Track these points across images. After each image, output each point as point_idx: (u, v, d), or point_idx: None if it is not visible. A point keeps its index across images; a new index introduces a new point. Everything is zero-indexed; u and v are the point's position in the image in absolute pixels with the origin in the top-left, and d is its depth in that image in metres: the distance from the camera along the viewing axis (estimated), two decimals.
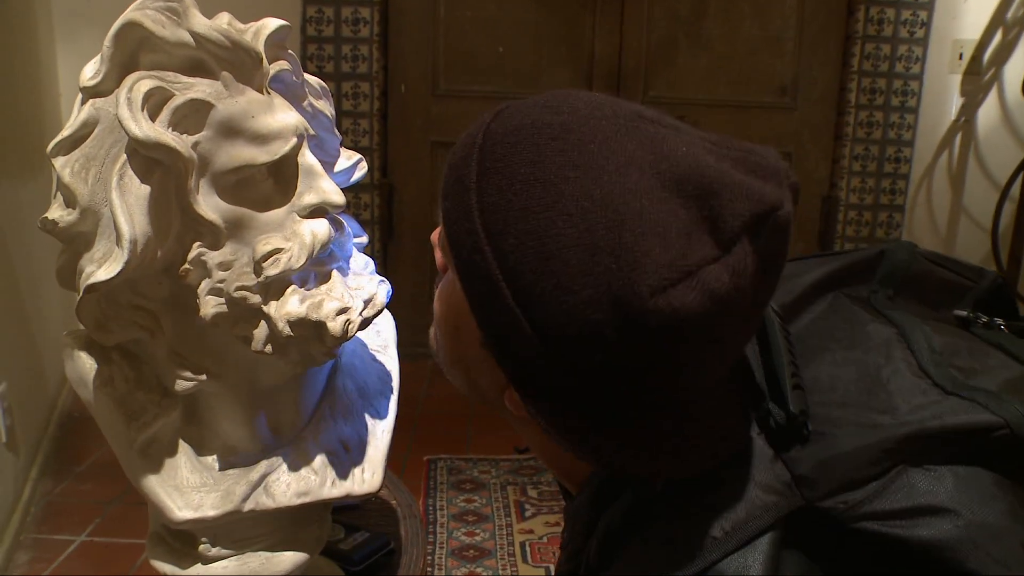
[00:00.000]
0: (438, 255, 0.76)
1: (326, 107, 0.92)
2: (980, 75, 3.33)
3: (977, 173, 3.41)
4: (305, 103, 0.90)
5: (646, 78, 3.36)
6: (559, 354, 0.62)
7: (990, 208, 3.26)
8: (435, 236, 0.76)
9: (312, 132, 0.86)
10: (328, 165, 0.96)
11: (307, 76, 0.91)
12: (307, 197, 0.82)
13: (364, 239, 1.04)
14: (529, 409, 0.69)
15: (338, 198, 0.82)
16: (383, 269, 3.39)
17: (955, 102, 3.37)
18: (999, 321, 0.80)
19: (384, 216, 3.36)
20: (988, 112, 3.36)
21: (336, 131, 0.96)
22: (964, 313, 0.81)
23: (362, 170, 1.02)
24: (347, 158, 0.99)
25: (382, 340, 1.04)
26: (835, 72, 3.38)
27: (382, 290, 0.88)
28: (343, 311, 0.82)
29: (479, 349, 0.68)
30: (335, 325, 0.81)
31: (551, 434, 0.70)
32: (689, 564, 0.65)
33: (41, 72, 2.83)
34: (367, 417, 0.96)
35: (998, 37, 3.30)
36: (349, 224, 0.96)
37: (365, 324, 0.86)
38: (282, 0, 3.05)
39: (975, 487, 0.65)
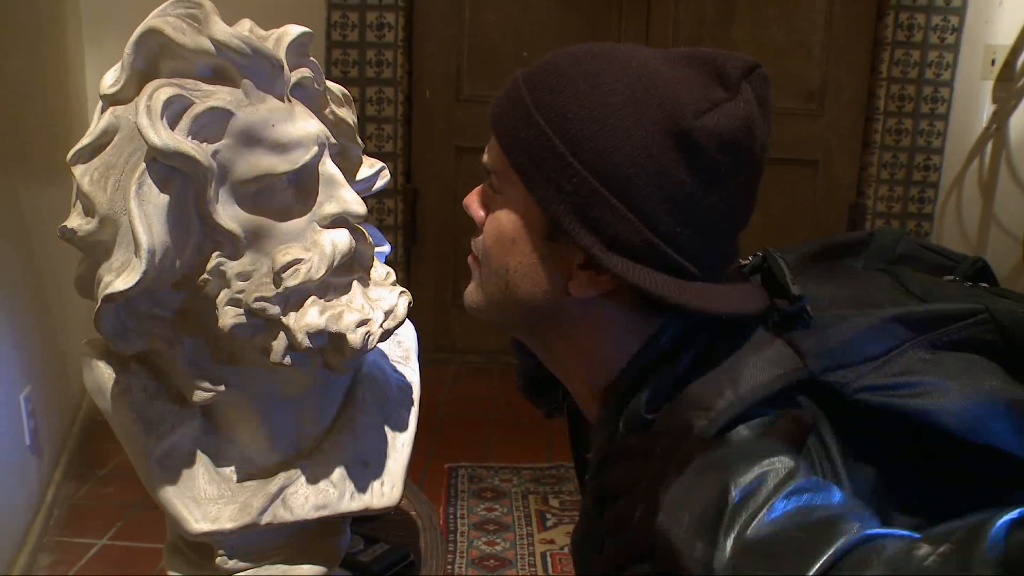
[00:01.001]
0: (475, 209, 0.86)
1: (348, 115, 0.91)
2: (1013, 81, 3.28)
3: (1008, 181, 3.35)
4: (327, 111, 0.89)
5: None
6: (634, 196, 0.74)
7: (1022, 217, 3.20)
8: (471, 198, 0.87)
9: (333, 141, 0.84)
10: (350, 173, 0.95)
11: (329, 84, 0.90)
12: (328, 207, 0.81)
13: (386, 248, 1.03)
14: (614, 274, 0.75)
15: (359, 208, 0.81)
16: (406, 274, 3.38)
17: (987, 109, 3.31)
18: (983, 285, 0.86)
19: (408, 221, 3.35)
20: (1021, 119, 3.30)
21: (358, 139, 0.95)
22: (951, 278, 0.87)
23: (384, 178, 1.00)
24: (369, 166, 0.98)
25: (403, 350, 1.03)
26: (863, 78, 3.34)
27: (403, 301, 0.86)
28: (363, 323, 0.81)
29: (541, 247, 0.79)
30: (355, 337, 0.80)
31: (624, 302, 0.79)
32: (709, 424, 0.72)
33: (70, 78, 2.85)
34: (387, 429, 0.95)
35: None
36: (371, 233, 0.95)
37: (386, 336, 0.84)
38: (307, 5, 3.05)
39: (968, 366, 0.74)
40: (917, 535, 0.59)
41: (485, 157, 0.83)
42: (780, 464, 0.65)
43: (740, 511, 0.62)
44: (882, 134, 3.32)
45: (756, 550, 0.61)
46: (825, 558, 0.58)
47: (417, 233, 3.40)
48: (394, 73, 3.22)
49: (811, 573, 0.57)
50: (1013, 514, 0.55)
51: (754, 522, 0.62)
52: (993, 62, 3.26)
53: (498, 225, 0.82)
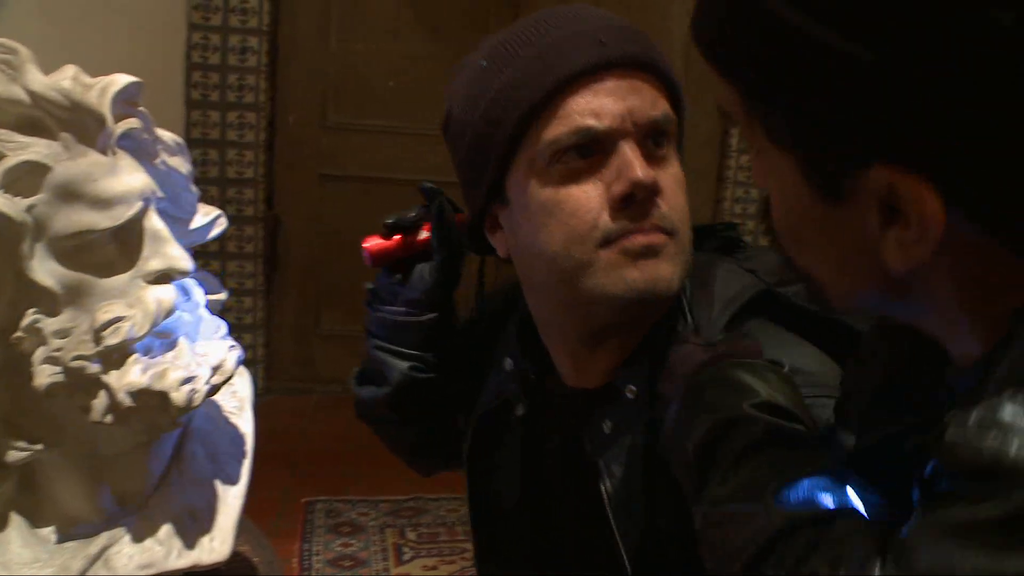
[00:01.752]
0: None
1: (181, 164, 0.90)
2: None
3: None
4: (158, 161, 0.88)
5: None
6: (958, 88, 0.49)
7: None
8: (756, 165, 0.64)
9: (161, 194, 0.83)
10: (184, 222, 0.93)
11: (160, 132, 0.88)
12: (153, 263, 0.79)
13: (222, 295, 1.02)
14: (960, 199, 0.52)
15: (185, 264, 0.80)
16: (266, 302, 3.31)
17: None
18: None
19: (269, 249, 3.29)
20: None
21: (192, 187, 0.93)
22: None
23: (221, 226, 0.99)
24: (204, 214, 0.96)
25: (237, 401, 1.01)
26: (716, 120, 3.49)
27: (232, 356, 0.85)
28: (188, 380, 0.80)
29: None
30: (179, 395, 0.79)
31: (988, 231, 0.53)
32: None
33: None
34: (218, 483, 0.93)
35: None
36: (205, 282, 0.94)
37: (213, 392, 0.83)
38: (166, 26, 2.96)
39: None
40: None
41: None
42: None
43: None
44: (735, 170, 3.48)
45: None
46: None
47: (278, 261, 3.34)
48: (256, 98, 3.16)
49: None
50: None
51: None
52: None
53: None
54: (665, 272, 0.77)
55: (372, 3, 3.25)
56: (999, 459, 0.47)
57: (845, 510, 0.60)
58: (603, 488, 0.83)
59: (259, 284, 3.25)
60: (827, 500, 0.60)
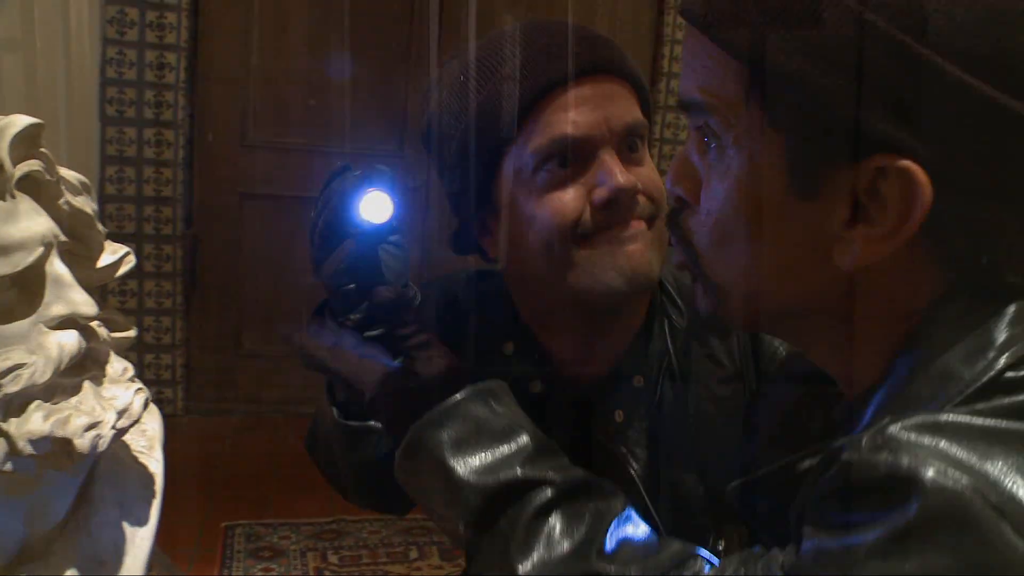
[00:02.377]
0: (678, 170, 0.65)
1: (86, 204, 0.89)
2: None
3: None
4: (61, 201, 0.87)
5: None
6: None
7: None
8: (676, 167, 0.67)
9: (64, 238, 0.82)
10: (90, 260, 0.92)
11: (64, 172, 0.87)
12: (55, 308, 0.78)
13: (131, 333, 1.01)
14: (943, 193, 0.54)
15: (88, 309, 0.79)
16: (185, 322, 3.26)
17: None
18: None
19: (188, 268, 3.24)
20: None
21: (99, 226, 0.93)
22: None
23: (129, 263, 0.98)
24: (112, 252, 0.95)
25: (147, 440, 1.00)
26: None
27: (138, 399, 0.85)
28: (93, 426, 0.79)
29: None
30: (82, 442, 0.78)
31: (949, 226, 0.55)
32: None
33: None
34: (125, 525, 0.92)
35: None
36: (112, 323, 0.93)
37: (119, 435, 0.82)
38: (79, 41, 2.90)
39: None
40: None
41: (675, 165, 0.67)
42: None
43: None
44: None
45: None
46: None
47: (197, 280, 3.29)
48: (175, 115, 3.11)
49: None
50: None
51: None
52: None
53: (740, 171, 0.62)
54: (646, 257, 0.84)
55: (293, 21, 3.24)
56: (894, 471, 0.50)
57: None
58: (632, 472, 0.90)
59: (178, 304, 3.20)
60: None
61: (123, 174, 3.03)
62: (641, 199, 0.85)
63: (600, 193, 0.84)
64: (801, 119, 0.55)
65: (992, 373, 0.53)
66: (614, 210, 0.84)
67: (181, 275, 3.17)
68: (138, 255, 3.21)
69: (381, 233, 0.82)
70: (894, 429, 0.52)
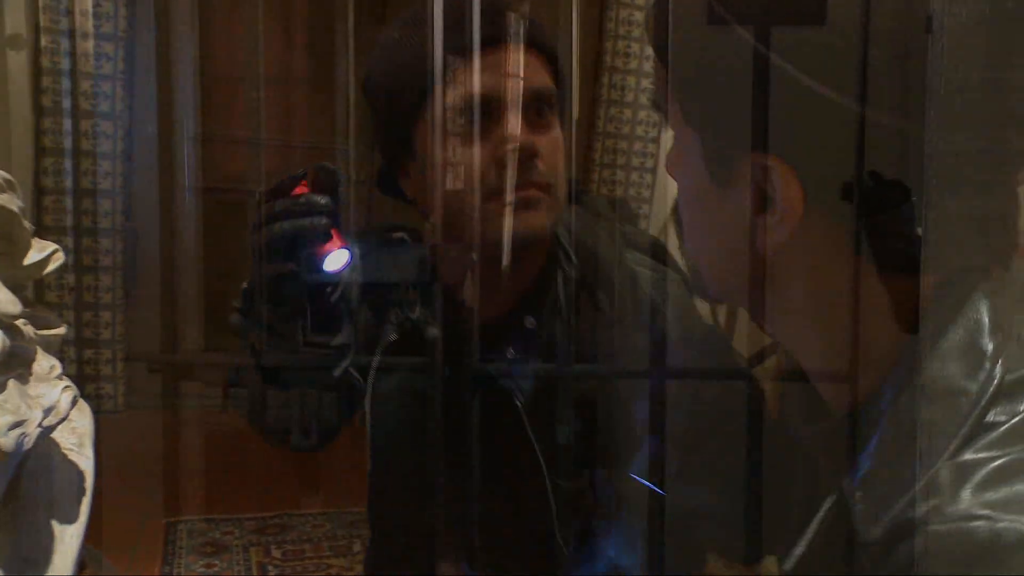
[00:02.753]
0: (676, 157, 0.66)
1: (10, 201, 0.88)
2: None
3: None
4: None
5: None
6: None
7: None
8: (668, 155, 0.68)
9: None
10: (18, 257, 0.91)
11: None
12: None
13: (60, 330, 1.00)
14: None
15: (11, 308, 0.79)
16: (124, 315, 3.21)
17: None
18: None
19: (127, 261, 3.19)
20: None
21: (25, 223, 0.92)
22: None
23: (57, 261, 0.97)
24: (39, 250, 0.95)
25: (77, 437, 0.99)
26: (585, 132, 3.59)
27: (66, 397, 0.84)
28: (18, 424, 0.79)
29: None
30: (7, 441, 0.77)
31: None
32: None
33: None
34: (54, 524, 0.92)
35: None
36: (37, 319, 0.92)
37: (46, 434, 0.82)
38: (11, 28, 2.84)
39: None
40: None
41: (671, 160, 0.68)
42: None
43: None
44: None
45: None
46: None
47: (137, 274, 3.25)
48: (112, 107, 3.06)
49: None
50: None
51: None
52: None
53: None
54: (538, 221, 0.93)
55: (237, 14, 3.21)
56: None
57: None
58: (518, 404, 0.99)
59: (118, 298, 3.15)
60: None
61: (59, 166, 2.97)
62: (540, 164, 0.92)
63: (500, 150, 0.92)
64: (703, 118, 0.61)
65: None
66: (512, 168, 0.91)
67: (120, 269, 3.13)
68: (76, 249, 3.16)
69: (327, 278, 0.85)
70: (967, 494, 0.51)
